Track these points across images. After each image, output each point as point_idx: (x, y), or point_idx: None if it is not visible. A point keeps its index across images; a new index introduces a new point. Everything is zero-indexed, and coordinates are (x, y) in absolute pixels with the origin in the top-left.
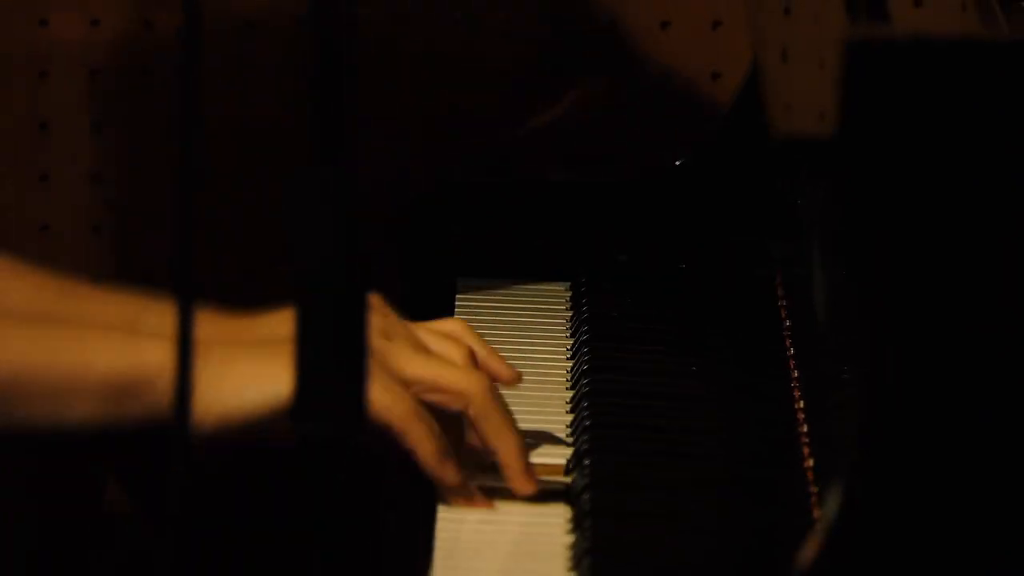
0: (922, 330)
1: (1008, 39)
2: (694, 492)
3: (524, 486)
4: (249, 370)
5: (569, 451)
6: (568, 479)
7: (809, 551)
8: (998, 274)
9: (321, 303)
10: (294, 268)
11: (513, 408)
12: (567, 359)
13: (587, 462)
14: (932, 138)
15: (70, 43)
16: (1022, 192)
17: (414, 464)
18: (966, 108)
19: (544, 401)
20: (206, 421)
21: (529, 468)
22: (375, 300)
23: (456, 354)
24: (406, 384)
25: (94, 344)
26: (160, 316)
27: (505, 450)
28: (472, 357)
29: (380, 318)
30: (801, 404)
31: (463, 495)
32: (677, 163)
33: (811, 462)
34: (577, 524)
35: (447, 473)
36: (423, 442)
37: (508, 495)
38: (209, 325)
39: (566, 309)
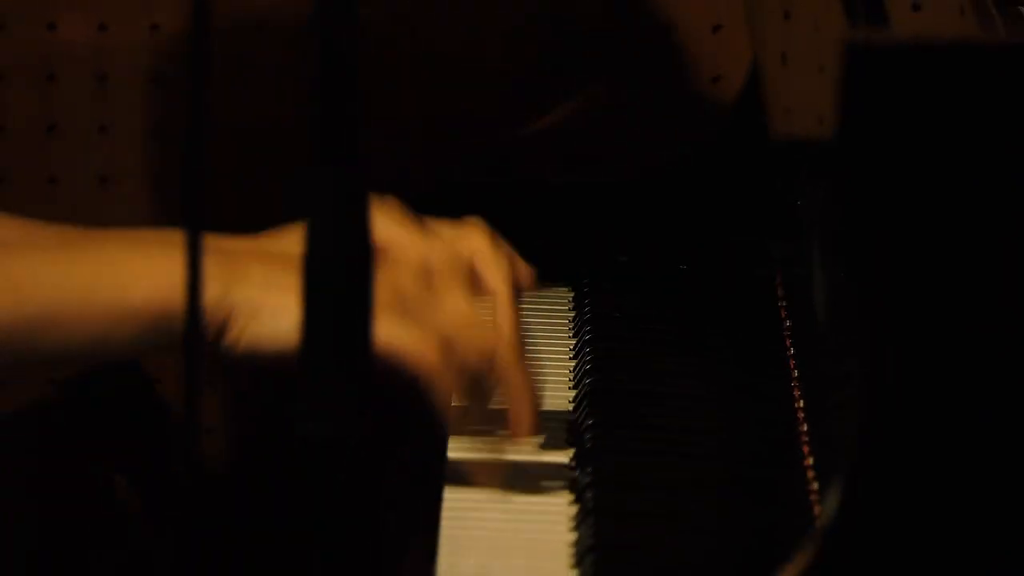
0: (922, 330)
1: (1005, 42)
2: (696, 491)
3: (526, 430)
4: (282, 302)
5: (572, 450)
6: (572, 473)
7: (809, 551)
8: (997, 275)
9: (324, 303)
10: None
11: None
12: (570, 359)
13: (589, 460)
14: (931, 141)
15: (78, 46)
16: (1020, 193)
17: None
18: (964, 111)
19: (547, 400)
20: (237, 347)
21: (536, 421)
22: (396, 207)
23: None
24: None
25: (129, 272)
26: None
27: (519, 398)
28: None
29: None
30: (801, 404)
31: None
32: (677, 165)
33: (811, 461)
34: (580, 522)
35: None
36: (444, 376)
37: (511, 490)
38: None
39: (568, 310)
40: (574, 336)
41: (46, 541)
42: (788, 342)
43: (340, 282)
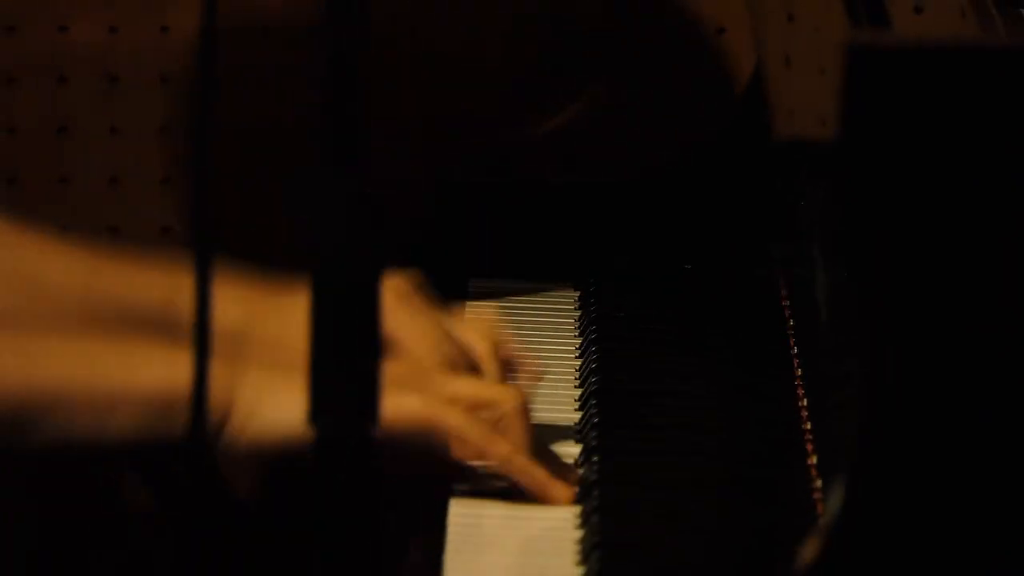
0: (922, 330)
1: (1006, 44)
2: (700, 490)
3: (557, 495)
4: (287, 398)
5: (578, 448)
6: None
7: (810, 551)
8: (997, 275)
9: (329, 304)
10: (306, 269)
11: None
12: (576, 358)
13: (595, 458)
14: (932, 142)
15: (89, 47)
16: (1021, 195)
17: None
18: (965, 113)
19: (554, 398)
20: (239, 442)
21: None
22: (407, 292)
23: (487, 364)
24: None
25: (137, 359)
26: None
27: (539, 493)
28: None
29: (411, 328)
30: (804, 403)
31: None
32: (678, 165)
33: (813, 460)
34: (585, 519)
35: (504, 452)
36: (466, 429)
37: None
38: (237, 306)
39: (574, 309)
40: (580, 335)
41: (46, 541)
42: (790, 342)
43: (345, 283)
